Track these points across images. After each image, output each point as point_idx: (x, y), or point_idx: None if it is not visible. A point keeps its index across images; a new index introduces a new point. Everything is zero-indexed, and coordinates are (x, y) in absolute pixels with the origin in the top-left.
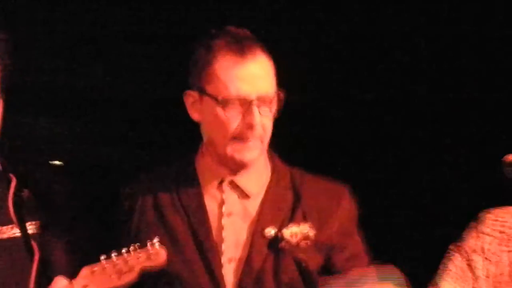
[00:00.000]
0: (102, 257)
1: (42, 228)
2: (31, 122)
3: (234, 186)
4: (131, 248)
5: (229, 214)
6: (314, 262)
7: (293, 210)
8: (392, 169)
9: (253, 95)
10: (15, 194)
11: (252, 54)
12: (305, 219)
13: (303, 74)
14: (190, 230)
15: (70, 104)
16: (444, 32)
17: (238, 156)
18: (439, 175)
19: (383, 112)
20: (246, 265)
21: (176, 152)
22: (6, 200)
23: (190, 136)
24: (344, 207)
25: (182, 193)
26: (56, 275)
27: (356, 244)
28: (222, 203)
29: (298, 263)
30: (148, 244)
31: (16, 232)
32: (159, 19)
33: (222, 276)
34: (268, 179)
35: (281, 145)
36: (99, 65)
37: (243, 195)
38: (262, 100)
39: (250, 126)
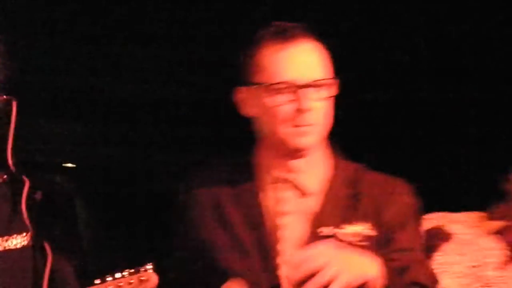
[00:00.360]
0: (97, 281)
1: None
2: (43, 124)
3: (292, 183)
4: (125, 272)
5: (286, 213)
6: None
7: (353, 209)
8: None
9: (300, 80)
10: (28, 197)
11: (296, 40)
12: (365, 216)
13: None
14: (247, 228)
15: (84, 106)
16: (444, 32)
17: (293, 142)
18: (442, 175)
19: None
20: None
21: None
22: (19, 204)
23: (204, 137)
24: (400, 201)
25: (239, 190)
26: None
27: (407, 239)
28: (278, 201)
29: None
30: (141, 269)
31: (27, 240)
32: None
33: (278, 277)
34: (328, 177)
35: None
36: (111, 67)
37: (301, 193)
38: (311, 85)
39: (301, 111)
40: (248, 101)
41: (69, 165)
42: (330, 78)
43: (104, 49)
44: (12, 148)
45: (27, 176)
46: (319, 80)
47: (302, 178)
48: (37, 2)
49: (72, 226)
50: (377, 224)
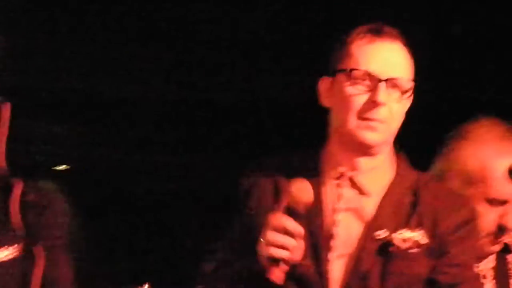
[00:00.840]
0: None
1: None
2: (37, 125)
3: (354, 182)
4: None
5: (345, 210)
6: (423, 269)
7: (410, 215)
8: None
9: (382, 74)
10: (20, 201)
11: (389, 36)
12: (420, 225)
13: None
14: (306, 220)
15: (76, 108)
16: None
17: (360, 135)
18: None
19: None
20: (354, 264)
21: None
22: (12, 209)
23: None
24: (462, 214)
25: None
26: None
27: (463, 255)
28: (339, 197)
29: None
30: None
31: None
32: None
33: (328, 272)
34: (390, 180)
35: None
36: (107, 68)
37: (362, 192)
38: (392, 82)
39: (375, 104)
40: (329, 91)
41: (62, 167)
42: (411, 80)
43: (95, 51)
44: (5, 152)
45: (19, 179)
46: (400, 78)
47: (363, 177)
48: (34, 3)
49: (66, 230)
50: (432, 235)
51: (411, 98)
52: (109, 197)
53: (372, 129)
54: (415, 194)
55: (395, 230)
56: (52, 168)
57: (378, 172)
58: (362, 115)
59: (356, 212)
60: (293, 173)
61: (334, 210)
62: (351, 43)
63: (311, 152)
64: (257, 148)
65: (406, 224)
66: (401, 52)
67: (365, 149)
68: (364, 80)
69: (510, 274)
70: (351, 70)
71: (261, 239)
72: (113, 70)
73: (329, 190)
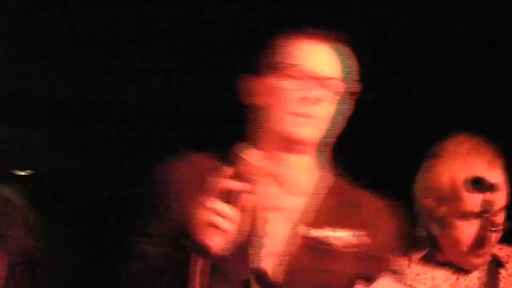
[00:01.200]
0: None
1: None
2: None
3: (283, 180)
4: None
5: (275, 209)
6: (351, 267)
7: (337, 214)
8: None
9: (316, 73)
10: None
11: (323, 37)
12: (347, 225)
13: None
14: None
15: (40, 112)
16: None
17: (289, 130)
18: None
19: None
20: (284, 262)
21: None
22: None
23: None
24: (391, 223)
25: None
26: None
27: (388, 262)
28: (269, 196)
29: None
30: None
31: None
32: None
33: (260, 269)
34: (318, 179)
35: None
36: (72, 71)
37: (291, 191)
38: (322, 80)
39: (305, 99)
40: (256, 89)
41: (22, 173)
42: (348, 83)
43: (56, 52)
44: None
45: None
46: (333, 78)
47: (293, 176)
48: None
49: (25, 237)
50: (363, 238)
51: (351, 103)
52: (73, 203)
53: (303, 125)
54: (342, 194)
55: (324, 228)
56: (14, 172)
57: (307, 170)
58: (294, 112)
59: (286, 210)
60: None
61: (265, 208)
62: (285, 43)
63: (236, 151)
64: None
65: (333, 223)
66: (337, 54)
67: (295, 146)
68: (297, 77)
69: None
70: (285, 67)
71: (200, 203)
72: (79, 72)
73: (257, 188)
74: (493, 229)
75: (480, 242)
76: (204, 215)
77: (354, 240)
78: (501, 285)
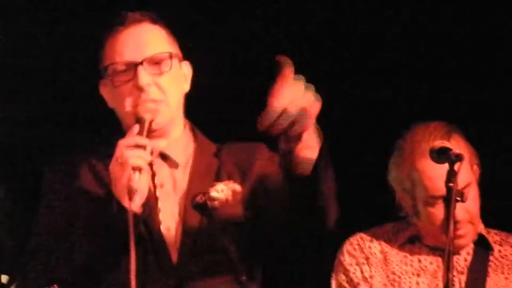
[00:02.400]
0: None
1: None
2: None
3: (164, 156)
4: None
5: (162, 185)
6: (241, 216)
7: (218, 175)
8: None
9: (138, 58)
10: None
11: (134, 23)
12: (229, 179)
13: None
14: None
15: None
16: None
17: (145, 112)
18: None
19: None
20: (182, 233)
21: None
22: None
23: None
24: (260, 160)
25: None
26: None
27: (278, 187)
28: (154, 174)
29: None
30: None
31: None
32: None
33: (164, 243)
34: (193, 149)
35: None
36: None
37: (172, 165)
38: (150, 61)
39: (140, 88)
40: (105, 93)
41: None
42: (170, 53)
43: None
44: None
45: None
46: (155, 54)
47: (172, 150)
48: None
49: None
50: (243, 185)
51: (187, 73)
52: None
53: (149, 111)
54: (218, 156)
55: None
56: None
57: (183, 143)
58: (134, 102)
59: (171, 184)
60: (100, 159)
61: (153, 187)
62: (104, 41)
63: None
64: None
65: (218, 182)
66: (152, 31)
67: (156, 133)
68: (124, 70)
69: (489, 272)
70: (108, 66)
71: (117, 162)
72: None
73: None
74: (458, 198)
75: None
76: (124, 163)
77: (236, 187)
78: (491, 268)
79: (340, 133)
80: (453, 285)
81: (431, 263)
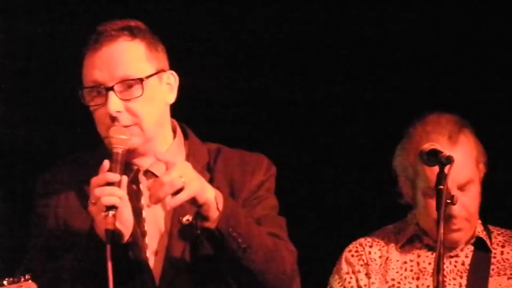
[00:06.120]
0: None
1: None
2: None
3: (150, 175)
4: (4, 281)
5: (149, 205)
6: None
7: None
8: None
9: (109, 82)
10: None
11: (109, 40)
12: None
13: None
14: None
15: None
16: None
17: (116, 146)
18: None
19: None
20: (168, 255)
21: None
22: None
23: None
24: (257, 176)
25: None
26: None
27: (266, 208)
28: (140, 194)
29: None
30: (21, 279)
31: None
32: None
33: (149, 270)
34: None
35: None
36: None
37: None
38: (121, 86)
39: (109, 114)
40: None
41: None
42: (141, 77)
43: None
44: None
45: None
46: (124, 80)
47: (159, 168)
48: None
49: None
50: (235, 195)
51: (172, 83)
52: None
53: (122, 133)
54: (209, 169)
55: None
56: None
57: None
58: (109, 126)
59: (160, 204)
60: (87, 171)
61: (139, 207)
62: (82, 60)
63: (102, 150)
64: None
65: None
66: (128, 50)
67: (134, 153)
68: (97, 94)
69: (491, 274)
70: (83, 89)
71: (91, 202)
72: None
73: (129, 188)
74: (448, 201)
75: (446, 217)
76: (98, 202)
77: None
78: (493, 270)
79: (339, 133)
80: (445, 286)
81: (429, 263)
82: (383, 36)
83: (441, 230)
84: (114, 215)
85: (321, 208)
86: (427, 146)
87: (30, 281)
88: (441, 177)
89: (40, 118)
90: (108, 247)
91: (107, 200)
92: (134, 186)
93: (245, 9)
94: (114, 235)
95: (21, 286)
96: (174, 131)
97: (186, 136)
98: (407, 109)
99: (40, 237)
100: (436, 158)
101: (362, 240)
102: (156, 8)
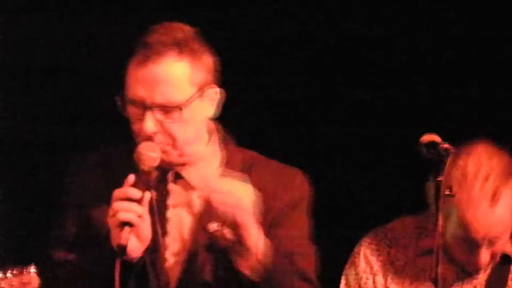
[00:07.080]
0: None
1: None
2: None
3: (179, 177)
4: (8, 273)
5: (174, 206)
6: None
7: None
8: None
9: (148, 101)
10: None
11: (156, 57)
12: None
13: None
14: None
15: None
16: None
17: (143, 165)
18: None
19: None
20: (189, 260)
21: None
22: None
23: None
24: (291, 191)
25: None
26: None
27: (293, 227)
28: (166, 193)
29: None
30: (24, 271)
31: None
32: None
33: (166, 271)
34: (217, 171)
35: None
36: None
37: (188, 187)
38: (161, 107)
39: (145, 132)
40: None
41: None
42: (181, 103)
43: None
44: None
45: None
46: (164, 104)
47: (189, 172)
48: None
49: None
50: (265, 211)
51: (215, 98)
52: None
53: (150, 149)
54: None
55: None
56: None
57: (204, 165)
58: (142, 139)
59: (186, 207)
60: (119, 169)
61: (164, 207)
62: (128, 66)
63: (132, 146)
64: None
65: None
66: (170, 71)
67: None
68: (137, 107)
69: (509, 284)
70: (125, 98)
71: (110, 214)
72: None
73: (157, 187)
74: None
75: (473, 258)
76: (115, 216)
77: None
78: (510, 282)
79: (340, 133)
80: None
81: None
82: (383, 36)
83: (440, 223)
84: (128, 231)
85: (321, 208)
86: (426, 138)
87: (34, 274)
88: (440, 169)
89: (41, 117)
90: (118, 262)
91: (123, 216)
92: (161, 185)
93: (245, 9)
94: (125, 250)
95: (23, 280)
96: (210, 133)
97: (224, 139)
98: (407, 109)
99: (63, 230)
100: (435, 149)
101: (380, 233)
102: (156, 8)
